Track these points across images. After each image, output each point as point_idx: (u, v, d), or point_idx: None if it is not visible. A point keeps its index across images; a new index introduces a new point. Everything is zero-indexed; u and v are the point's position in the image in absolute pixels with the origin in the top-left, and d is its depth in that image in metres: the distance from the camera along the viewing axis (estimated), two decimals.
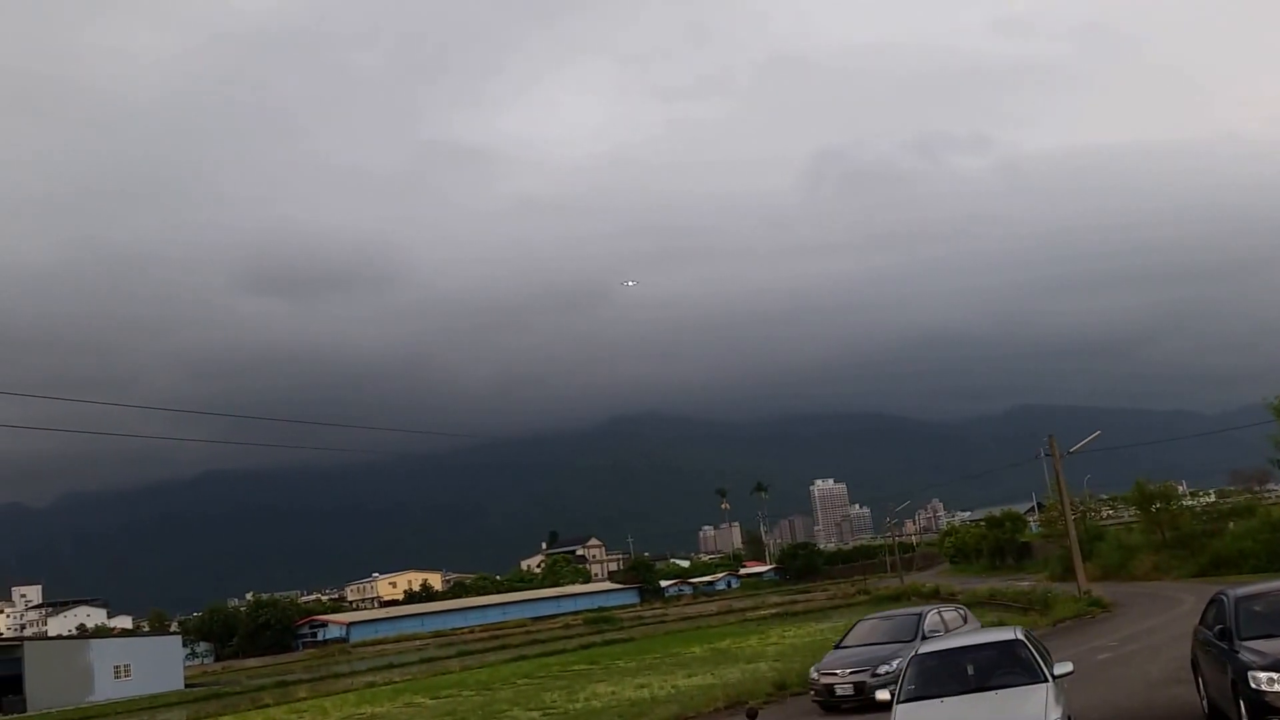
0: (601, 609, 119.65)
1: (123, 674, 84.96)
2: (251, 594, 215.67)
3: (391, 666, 68.34)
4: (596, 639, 68.03)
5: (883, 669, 22.19)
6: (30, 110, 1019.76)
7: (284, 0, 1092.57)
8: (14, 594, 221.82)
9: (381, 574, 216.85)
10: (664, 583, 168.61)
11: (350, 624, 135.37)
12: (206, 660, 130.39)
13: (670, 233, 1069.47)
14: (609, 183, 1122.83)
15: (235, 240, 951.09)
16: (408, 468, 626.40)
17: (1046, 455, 50.63)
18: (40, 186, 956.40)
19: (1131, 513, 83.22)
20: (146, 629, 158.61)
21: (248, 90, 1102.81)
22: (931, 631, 23.36)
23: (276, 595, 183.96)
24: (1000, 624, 30.14)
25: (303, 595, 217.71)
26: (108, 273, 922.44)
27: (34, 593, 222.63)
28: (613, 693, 32.45)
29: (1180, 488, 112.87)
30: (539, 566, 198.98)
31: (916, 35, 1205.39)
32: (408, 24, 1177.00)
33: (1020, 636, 14.45)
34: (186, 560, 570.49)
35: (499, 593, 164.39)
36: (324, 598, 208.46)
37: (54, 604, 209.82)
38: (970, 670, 13.94)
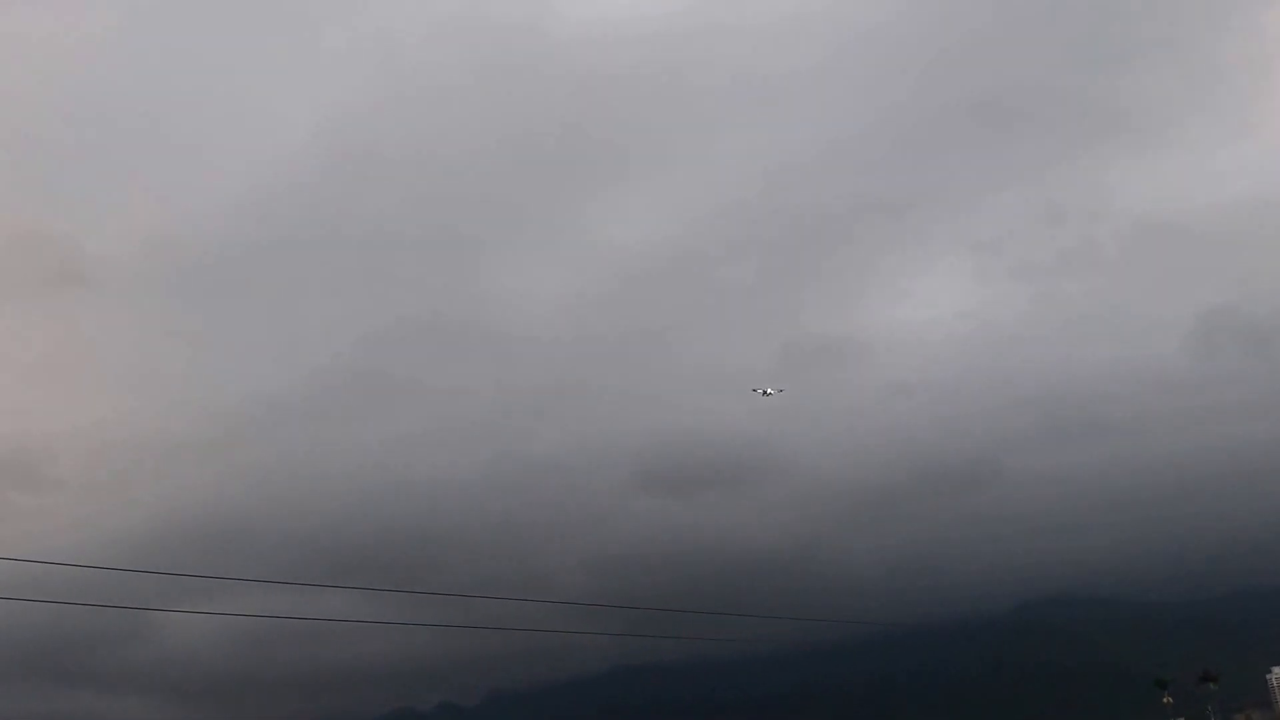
0: None
1: None
2: None
3: None
4: None
5: None
6: (457, 349, 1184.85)
7: (656, 233, 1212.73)
8: None
9: None
10: None
11: None
12: None
13: (1051, 406, 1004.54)
14: (979, 363, 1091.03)
15: (628, 446, 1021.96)
16: (805, 656, 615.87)
17: None
18: (468, 412, 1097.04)
19: None
20: None
21: (631, 311, 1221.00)
22: None
23: None
24: None
25: None
26: (522, 483, 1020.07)
27: None
28: None
29: None
30: None
31: None
32: (769, 237, 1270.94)
33: None
34: None
35: None
36: None
37: None
38: None
